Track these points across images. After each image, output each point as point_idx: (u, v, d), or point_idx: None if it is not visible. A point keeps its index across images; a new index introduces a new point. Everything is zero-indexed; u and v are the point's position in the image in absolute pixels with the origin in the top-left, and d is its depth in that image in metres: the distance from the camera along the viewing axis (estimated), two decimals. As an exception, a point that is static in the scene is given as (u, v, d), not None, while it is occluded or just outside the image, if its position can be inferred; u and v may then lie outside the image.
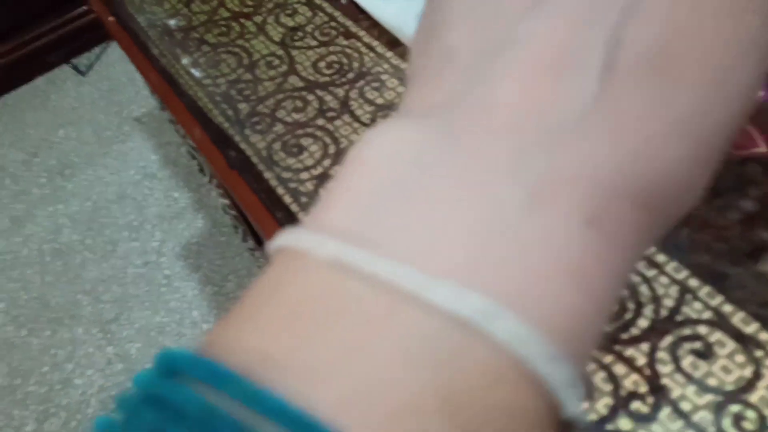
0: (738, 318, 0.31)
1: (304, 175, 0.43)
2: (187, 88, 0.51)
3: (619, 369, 0.31)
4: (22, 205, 1.58)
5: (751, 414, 0.29)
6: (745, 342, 0.31)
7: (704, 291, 0.33)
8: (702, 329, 0.32)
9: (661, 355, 0.31)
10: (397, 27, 0.49)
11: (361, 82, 0.47)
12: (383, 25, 0.50)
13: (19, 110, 1.79)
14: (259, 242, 0.87)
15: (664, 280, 0.33)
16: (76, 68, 1.86)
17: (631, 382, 0.31)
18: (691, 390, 0.30)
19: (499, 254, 0.11)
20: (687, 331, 0.32)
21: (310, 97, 0.47)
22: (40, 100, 1.80)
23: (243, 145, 0.45)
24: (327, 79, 0.48)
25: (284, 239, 0.13)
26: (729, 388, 0.30)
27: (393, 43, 0.49)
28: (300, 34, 0.52)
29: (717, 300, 0.32)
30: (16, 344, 1.34)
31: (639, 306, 0.33)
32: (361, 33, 0.51)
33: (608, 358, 0.32)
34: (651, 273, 0.34)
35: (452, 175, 0.12)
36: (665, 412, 0.30)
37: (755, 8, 0.12)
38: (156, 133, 1.65)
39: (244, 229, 0.86)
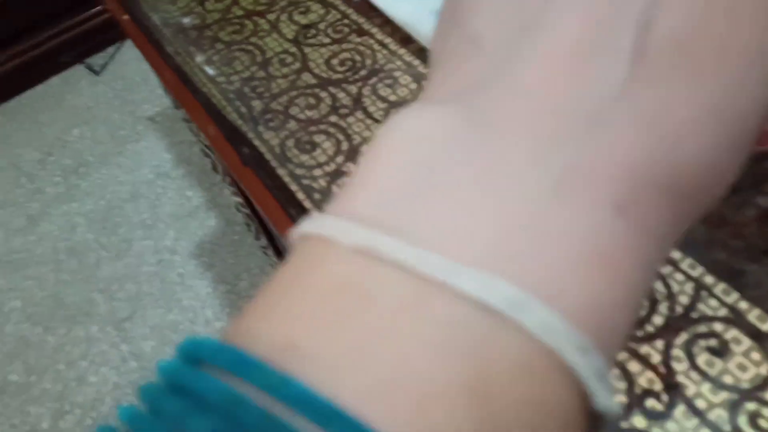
0: (754, 315, 0.31)
1: (317, 172, 0.43)
2: (200, 85, 0.51)
3: (634, 366, 0.31)
4: (37, 203, 1.59)
5: (767, 412, 0.29)
6: (762, 339, 0.30)
7: (720, 288, 0.32)
8: (718, 326, 0.31)
9: (676, 352, 0.31)
10: (409, 24, 0.49)
11: (374, 79, 0.47)
12: (396, 23, 0.50)
13: (34, 110, 1.81)
14: (272, 240, 0.87)
15: (679, 277, 0.33)
16: (90, 68, 1.87)
17: (646, 379, 0.31)
18: (706, 388, 0.30)
19: (528, 242, 0.11)
20: (702, 329, 0.31)
21: (323, 94, 0.47)
22: (55, 100, 1.82)
23: (256, 142, 0.46)
24: (340, 76, 0.48)
25: (309, 226, 0.13)
26: (745, 385, 0.29)
27: (405, 40, 0.49)
28: (313, 31, 0.52)
29: (733, 297, 0.32)
30: (32, 342, 1.35)
31: (654, 303, 0.33)
32: (374, 30, 0.51)
33: (623, 356, 0.31)
34: (666, 270, 0.33)
35: (480, 162, 0.12)
36: (680, 409, 0.29)
37: None
38: (169, 132, 1.66)
39: (256, 227, 0.87)
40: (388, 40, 0.50)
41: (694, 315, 0.32)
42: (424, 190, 0.12)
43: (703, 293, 0.32)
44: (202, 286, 1.36)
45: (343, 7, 0.53)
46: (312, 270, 0.12)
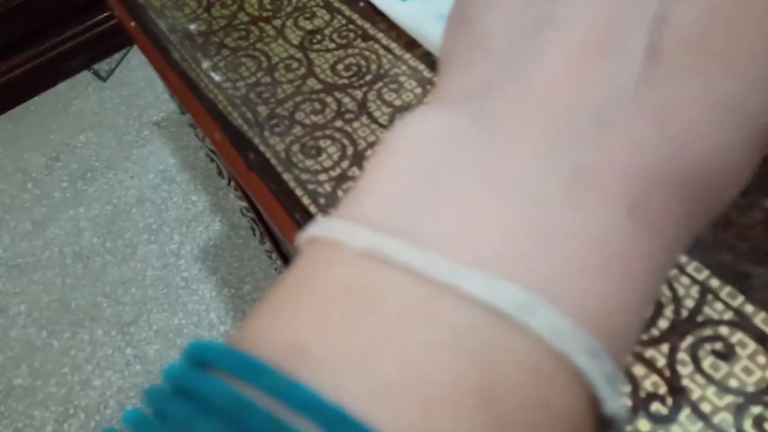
0: (760, 318, 0.31)
1: (323, 177, 0.43)
2: (207, 91, 0.51)
3: (639, 370, 0.31)
4: (43, 208, 1.60)
5: (773, 416, 0.29)
6: (767, 343, 0.30)
7: (725, 291, 0.32)
8: (723, 330, 0.31)
9: (682, 356, 0.31)
10: (415, 29, 0.49)
11: (379, 84, 0.47)
12: (401, 27, 0.50)
13: (41, 115, 1.82)
14: (277, 244, 0.87)
15: (685, 280, 0.33)
16: (97, 74, 1.88)
17: (651, 383, 0.31)
18: (711, 391, 0.30)
19: (538, 243, 0.11)
20: (708, 332, 0.31)
21: (329, 99, 0.47)
22: (62, 105, 1.83)
23: (262, 147, 0.46)
24: (345, 81, 0.48)
25: (316, 229, 0.12)
26: (750, 389, 0.29)
27: (411, 44, 0.49)
28: (318, 37, 0.53)
29: (738, 300, 0.32)
30: (37, 346, 1.35)
31: (659, 307, 0.33)
32: (379, 35, 0.51)
33: (628, 359, 0.31)
34: (672, 273, 0.33)
35: (490, 163, 0.12)
36: (685, 413, 0.29)
37: None
38: (175, 137, 1.67)
39: (261, 231, 0.87)
40: (393, 45, 0.50)
41: (700, 318, 0.32)
42: (431, 193, 0.12)
43: (709, 297, 0.32)
44: (207, 290, 1.36)
45: (348, 12, 0.54)
46: (318, 273, 0.12)
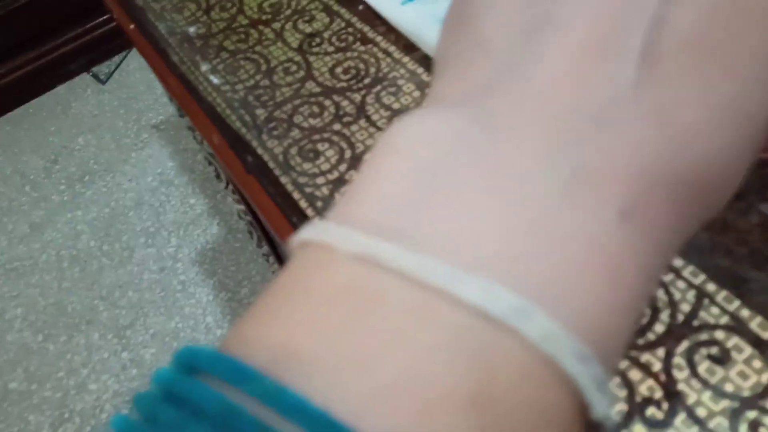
0: (756, 323, 0.31)
1: (320, 180, 0.43)
2: (205, 94, 0.51)
3: (635, 374, 0.31)
4: (41, 211, 1.60)
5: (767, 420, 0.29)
6: (763, 347, 0.30)
7: (721, 295, 0.32)
8: (719, 334, 0.31)
9: (677, 360, 0.31)
10: (414, 32, 0.49)
11: (378, 87, 0.48)
12: (400, 31, 0.50)
13: (40, 118, 1.82)
14: (274, 248, 0.87)
15: (681, 284, 0.33)
16: (96, 76, 1.88)
17: (647, 387, 0.31)
18: (707, 396, 0.30)
19: (537, 244, 0.11)
20: (704, 336, 0.31)
21: (327, 103, 0.48)
22: (61, 108, 1.83)
23: (260, 151, 0.46)
24: (344, 84, 0.49)
25: (309, 232, 0.12)
26: (746, 394, 0.29)
27: (410, 48, 0.50)
28: (317, 40, 0.53)
29: (734, 305, 0.32)
30: (33, 349, 1.35)
31: (655, 311, 0.33)
32: (378, 38, 0.51)
33: (623, 364, 0.31)
34: (668, 278, 0.34)
35: (487, 165, 0.11)
36: (681, 418, 0.29)
37: None
38: (173, 140, 1.67)
39: (259, 234, 0.87)
40: (392, 49, 0.50)
41: (696, 323, 0.32)
42: (430, 195, 0.11)
43: (705, 301, 0.32)
44: (204, 294, 1.36)
45: (347, 16, 0.54)
46: (312, 276, 0.12)
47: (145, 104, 1.78)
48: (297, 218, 0.42)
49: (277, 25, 0.55)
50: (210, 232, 1.46)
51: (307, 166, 0.44)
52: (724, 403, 0.29)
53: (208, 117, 0.50)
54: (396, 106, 0.46)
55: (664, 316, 0.32)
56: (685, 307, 0.32)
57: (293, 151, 0.45)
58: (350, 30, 0.53)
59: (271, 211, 0.44)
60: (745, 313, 0.32)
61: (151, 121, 1.73)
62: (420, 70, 0.48)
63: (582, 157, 0.11)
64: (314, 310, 0.11)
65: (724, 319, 0.32)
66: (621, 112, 0.11)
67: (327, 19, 0.54)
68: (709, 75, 0.11)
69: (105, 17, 1.81)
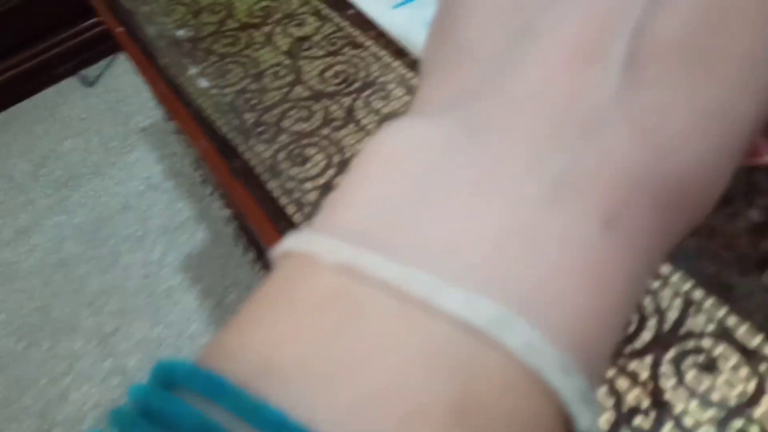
0: (742, 330, 0.31)
1: (308, 185, 0.43)
2: (194, 97, 0.51)
3: (622, 383, 0.31)
4: (28, 215, 1.58)
5: (754, 429, 0.28)
6: (749, 355, 0.30)
7: (708, 303, 0.32)
8: (706, 342, 0.31)
9: (664, 369, 0.31)
10: (403, 36, 0.49)
11: (368, 92, 0.47)
12: (390, 35, 0.50)
13: (27, 121, 1.81)
14: (261, 254, 0.87)
15: (668, 292, 0.33)
16: (84, 80, 1.87)
17: (634, 396, 0.30)
18: (694, 404, 0.30)
19: (515, 256, 0.11)
20: (691, 345, 0.31)
21: (316, 107, 0.47)
22: (49, 111, 1.82)
23: (247, 155, 0.46)
24: (333, 88, 0.48)
25: (291, 243, 0.12)
26: (732, 402, 0.29)
27: (399, 52, 0.49)
28: (307, 44, 0.52)
29: (722, 312, 0.32)
30: (16, 356, 1.33)
31: (642, 319, 0.32)
32: (368, 43, 0.51)
33: (610, 372, 0.31)
34: (655, 285, 0.34)
35: (471, 173, 0.11)
36: (668, 427, 0.29)
37: None
38: (161, 145, 1.66)
39: (245, 241, 0.86)
40: (382, 53, 0.50)
41: (683, 331, 0.32)
42: (414, 204, 0.11)
43: (692, 309, 0.32)
44: (190, 300, 1.35)
45: (338, 20, 0.54)
46: (295, 287, 0.11)
47: (132, 108, 1.77)
48: (284, 224, 0.42)
49: (266, 29, 0.55)
50: (196, 238, 1.45)
51: (295, 170, 0.44)
52: (711, 412, 0.29)
53: (196, 121, 0.49)
54: (386, 110, 0.46)
55: (652, 324, 0.32)
56: (673, 315, 0.32)
57: (281, 155, 0.45)
58: (340, 34, 0.53)
59: (257, 217, 0.43)
60: (732, 320, 0.32)
61: (138, 125, 1.72)
62: (410, 74, 0.48)
63: (565, 165, 0.11)
64: (296, 321, 0.11)
65: (711, 327, 0.32)
66: (605, 119, 0.11)
67: (317, 23, 0.54)
68: (693, 80, 0.11)
69: (93, 20, 1.80)
